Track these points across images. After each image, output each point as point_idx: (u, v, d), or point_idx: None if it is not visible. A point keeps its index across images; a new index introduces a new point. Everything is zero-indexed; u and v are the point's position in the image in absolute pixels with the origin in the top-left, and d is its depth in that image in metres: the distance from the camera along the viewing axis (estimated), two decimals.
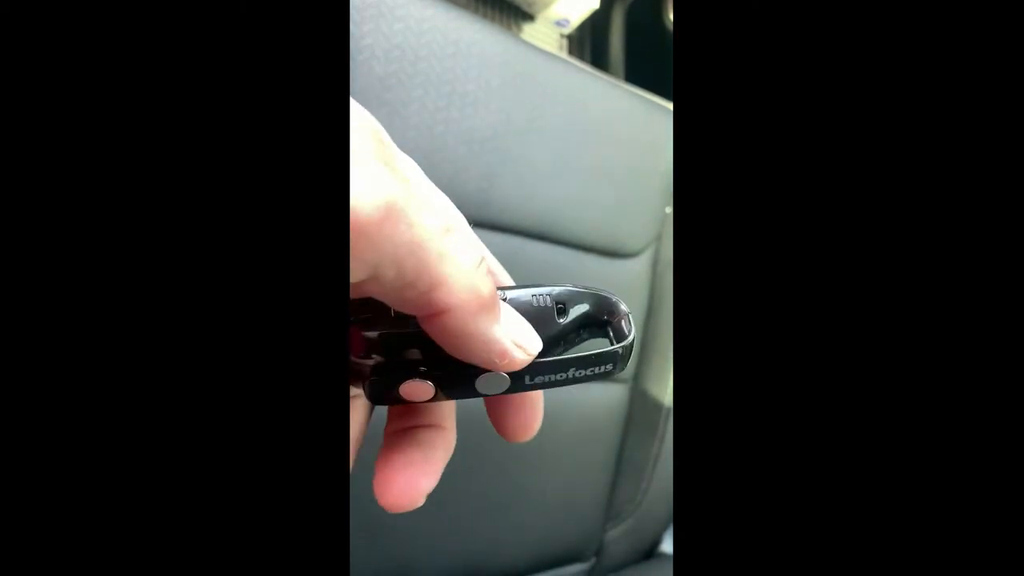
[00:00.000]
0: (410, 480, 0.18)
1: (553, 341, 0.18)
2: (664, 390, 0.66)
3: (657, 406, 0.66)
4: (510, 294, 0.18)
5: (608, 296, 0.20)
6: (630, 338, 0.19)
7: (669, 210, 0.64)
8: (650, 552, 0.73)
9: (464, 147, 0.47)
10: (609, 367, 0.19)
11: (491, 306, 0.16)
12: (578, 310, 0.19)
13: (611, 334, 0.20)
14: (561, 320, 0.19)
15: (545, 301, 0.18)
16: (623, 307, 0.20)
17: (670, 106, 0.63)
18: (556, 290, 0.19)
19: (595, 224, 0.56)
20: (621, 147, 0.57)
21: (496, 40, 0.49)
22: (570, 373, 0.18)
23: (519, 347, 0.17)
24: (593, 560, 0.67)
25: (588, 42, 0.91)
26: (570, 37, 0.89)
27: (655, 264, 0.65)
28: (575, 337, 0.19)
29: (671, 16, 0.83)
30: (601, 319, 0.19)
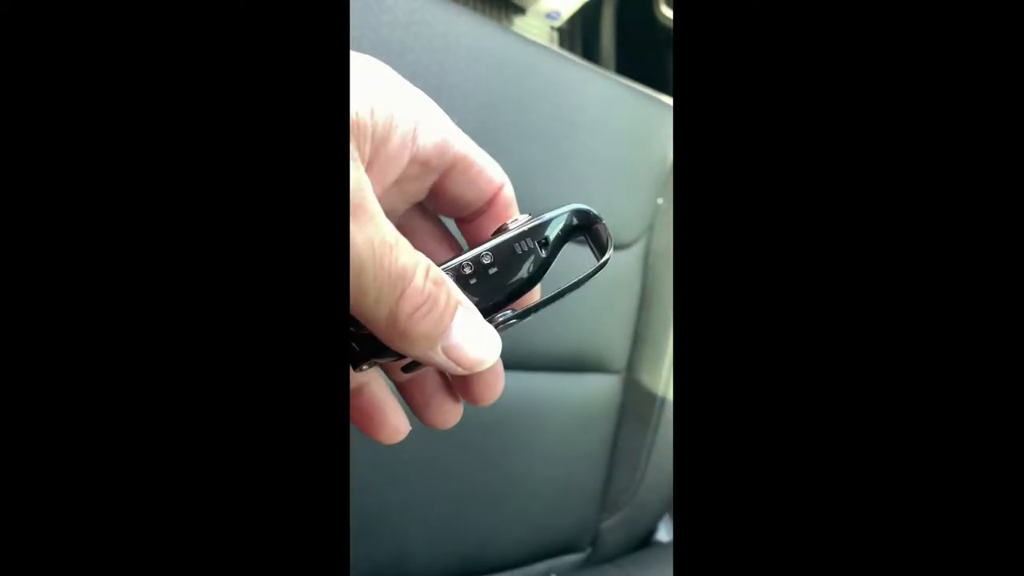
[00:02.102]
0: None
1: (542, 269, 0.21)
2: (657, 380, 0.66)
3: (651, 396, 0.66)
4: (497, 249, 0.20)
5: (581, 208, 0.22)
6: (610, 251, 0.22)
7: (661, 201, 0.64)
8: (645, 541, 0.73)
9: None
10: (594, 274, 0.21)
11: (425, 341, 0.18)
12: (558, 232, 0.21)
13: (590, 244, 0.22)
14: (544, 253, 0.21)
15: (529, 245, 0.21)
16: (596, 214, 0.22)
17: (661, 97, 0.63)
18: (535, 224, 0.21)
19: None
20: (612, 139, 0.57)
21: (485, 32, 0.49)
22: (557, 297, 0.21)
23: (458, 366, 0.19)
24: (589, 550, 0.67)
25: (579, 35, 0.91)
26: (561, 30, 0.89)
27: (647, 255, 0.65)
28: (559, 250, 0.21)
29: (662, 9, 0.83)
30: (580, 227, 0.22)
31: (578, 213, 0.22)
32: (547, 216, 0.21)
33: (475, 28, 0.48)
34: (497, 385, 0.23)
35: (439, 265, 0.19)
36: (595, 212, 0.22)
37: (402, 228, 0.23)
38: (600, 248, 0.22)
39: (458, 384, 0.23)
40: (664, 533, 0.74)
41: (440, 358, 0.19)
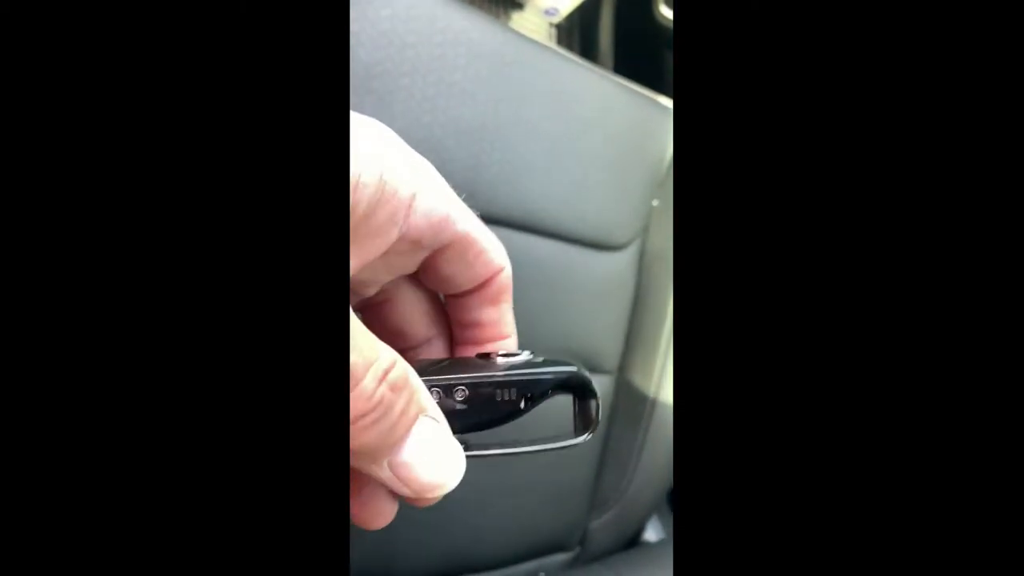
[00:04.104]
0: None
1: (512, 418, 0.18)
2: (649, 381, 0.66)
3: (642, 397, 0.66)
4: (475, 389, 0.18)
5: (580, 377, 0.19)
6: (589, 433, 0.19)
7: (656, 203, 0.64)
8: (634, 541, 0.74)
9: (451, 137, 0.47)
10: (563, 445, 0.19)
11: (366, 454, 0.15)
12: (548, 391, 0.19)
13: (575, 414, 0.20)
14: (525, 408, 0.18)
15: (511, 397, 0.18)
16: (592, 388, 0.19)
17: (659, 98, 0.63)
18: (528, 378, 0.18)
19: (582, 216, 0.56)
20: (609, 139, 0.57)
21: (485, 29, 0.48)
22: (519, 449, 0.19)
23: (406, 487, 0.16)
24: (577, 549, 0.67)
25: (577, 32, 0.90)
26: (559, 27, 0.88)
27: (642, 256, 0.65)
28: (539, 404, 0.19)
29: (661, 7, 0.83)
30: (574, 392, 0.19)
31: (579, 380, 0.19)
32: (544, 375, 0.18)
33: (475, 24, 0.47)
34: (386, 514, 0.19)
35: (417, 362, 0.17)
36: (593, 387, 0.19)
37: (384, 295, 0.21)
38: (584, 424, 0.20)
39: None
40: (652, 533, 0.75)
41: (385, 475, 0.16)
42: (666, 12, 0.82)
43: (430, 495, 0.17)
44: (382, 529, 0.57)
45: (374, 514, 0.19)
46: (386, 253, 0.18)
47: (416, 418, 0.16)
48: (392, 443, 0.16)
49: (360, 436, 0.15)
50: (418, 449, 0.16)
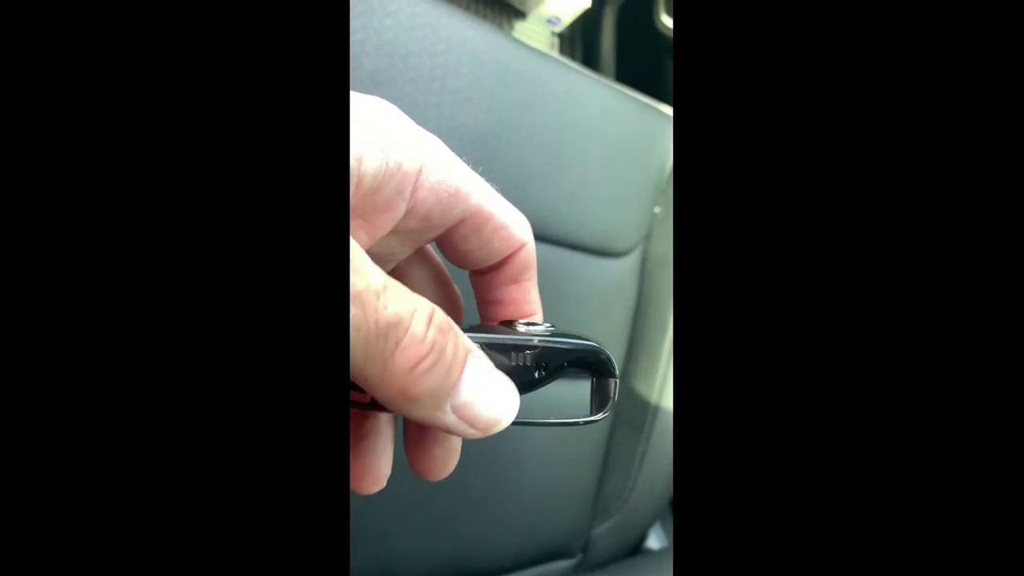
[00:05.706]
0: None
1: (527, 389, 0.18)
2: (651, 387, 0.66)
3: (644, 403, 0.66)
4: (490, 349, 0.17)
5: (597, 352, 0.19)
6: (605, 411, 0.19)
7: (658, 210, 0.65)
8: (636, 548, 0.74)
9: (454, 145, 0.47)
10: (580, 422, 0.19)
11: (430, 400, 0.15)
12: (565, 364, 0.18)
13: (594, 393, 0.19)
14: (539, 378, 0.18)
15: (525, 362, 0.18)
16: (612, 366, 0.19)
17: (660, 106, 0.64)
18: (545, 346, 0.18)
19: (585, 223, 0.57)
20: (611, 147, 0.58)
21: (488, 38, 0.49)
22: (534, 420, 0.19)
23: (472, 427, 0.16)
24: (580, 556, 0.67)
25: (579, 41, 0.91)
26: (561, 36, 0.89)
27: (644, 263, 0.65)
28: (554, 379, 0.19)
29: (662, 16, 0.83)
30: (592, 370, 0.19)
31: (597, 357, 0.19)
32: (562, 344, 0.18)
33: (478, 33, 0.48)
34: (451, 463, 0.20)
35: None
36: (613, 366, 0.19)
37: (396, 273, 0.21)
38: (601, 403, 0.19)
39: (409, 454, 0.20)
40: (654, 541, 0.75)
41: (450, 419, 0.16)
42: (667, 21, 0.83)
43: (493, 431, 0.17)
44: (383, 535, 0.56)
45: (368, 475, 0.19)
46: (397, 230, 0.18)
47: (466, 358, 0.16)
48: (451, 385, 0.16)
49: (421, 382, 0.15)
50: (475, 387, 0.16)
